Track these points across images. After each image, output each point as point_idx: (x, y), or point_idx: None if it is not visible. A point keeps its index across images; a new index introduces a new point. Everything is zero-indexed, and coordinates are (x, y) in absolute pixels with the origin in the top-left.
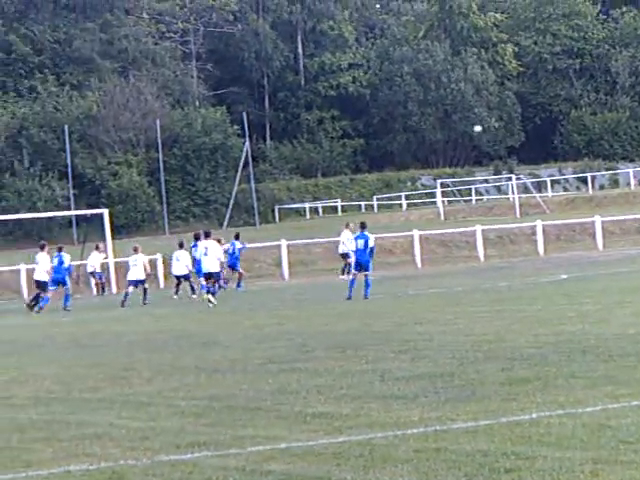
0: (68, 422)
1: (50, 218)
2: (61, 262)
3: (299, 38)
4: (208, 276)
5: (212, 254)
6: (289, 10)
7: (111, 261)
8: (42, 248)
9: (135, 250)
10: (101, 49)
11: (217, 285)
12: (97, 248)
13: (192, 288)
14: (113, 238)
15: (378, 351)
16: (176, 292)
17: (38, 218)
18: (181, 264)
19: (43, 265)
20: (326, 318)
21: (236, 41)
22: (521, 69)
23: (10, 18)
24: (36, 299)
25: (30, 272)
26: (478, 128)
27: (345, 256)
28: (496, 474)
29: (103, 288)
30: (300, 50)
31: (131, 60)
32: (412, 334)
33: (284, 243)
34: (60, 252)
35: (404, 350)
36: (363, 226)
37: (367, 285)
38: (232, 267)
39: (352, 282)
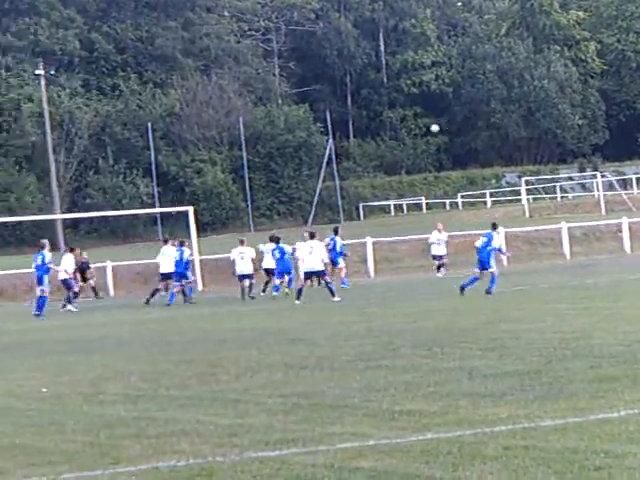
0: (156, 419)
1: (135, 215)
2: (182, 256)
3: (381, 36)
4: (310, 275)
5: (317, 253)
6: (371, 8)
7: (196, 259)
8: (165, 242)
9: (242, 243)
10: (183, 47)
11: (323, 282)
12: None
13: (251, 287)
14: (198, 235)
15: (465, 349)
16: (264, 289)
17: (123, 215)
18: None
19: (168, 258)
20: (412, 316)
21: (318, 39)
22: (604, 67)
23: (92, 17)
24: (153, 294)
25: (116, 268)
26: (435, 127)
27: (435, 257)
28: (586, 471)
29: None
30: (382, 48)
31: (213, 58)
32: (499, 332)
33: (369, 240)
34: (182, 246)
35: (491, 348)
36: (494, 226)
37: (492, 282)
38: (333, 262)
39: (475, 279)
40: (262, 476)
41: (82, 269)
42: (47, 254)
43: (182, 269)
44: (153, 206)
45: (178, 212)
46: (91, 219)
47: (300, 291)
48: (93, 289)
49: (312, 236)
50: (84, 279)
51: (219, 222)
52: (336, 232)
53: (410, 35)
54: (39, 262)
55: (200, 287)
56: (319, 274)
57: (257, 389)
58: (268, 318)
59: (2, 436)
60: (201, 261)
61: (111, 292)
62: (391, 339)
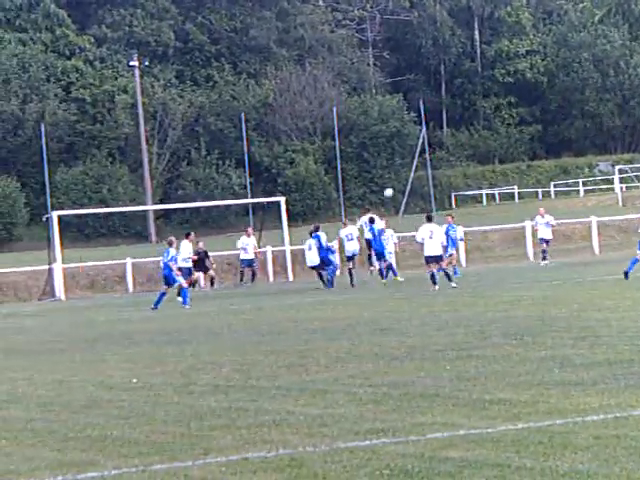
0: (246, 409)
1: (227, 206)
2: (320, 243)
3: (476, 24)
4: (431, 259)
5: (436, 238)
6: None
7: (287, 249)
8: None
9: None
10: (277, 37)
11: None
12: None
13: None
14: (289, 226)
15: (556, 338)
16: (351, 281)
17: (214, 206)
18: (313, 253)
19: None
20: (504, 305)
21: (412, 28)
22: None
23: (187, 7)
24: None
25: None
26: (389, 192)
27: (542, 241)
28: None
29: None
30: (477, 37)
31: (307, 48)
32: (591, 320)
33: (460, 229)
34: (317, 232)
35: (583, 337)
36: None
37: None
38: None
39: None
40: (352, 466)
41: (200, 258)
42: (172, 251)
43: (325, 255)
44: (245, 197)
45: (270, 202)
46: (183, 210)
47: (433, 276)
48: (212, 279)
49: (429, 219)
50: (205, 269)
51: (310, 212)
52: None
53: (505, 23)
54: (168, 258)
55: (291, 277)
56: (437, 259)
57: (347, 379)
58: (358, 308)
59: (93, 427)
60: (292, 251)
61: (201, 283)
62: (482, 328)
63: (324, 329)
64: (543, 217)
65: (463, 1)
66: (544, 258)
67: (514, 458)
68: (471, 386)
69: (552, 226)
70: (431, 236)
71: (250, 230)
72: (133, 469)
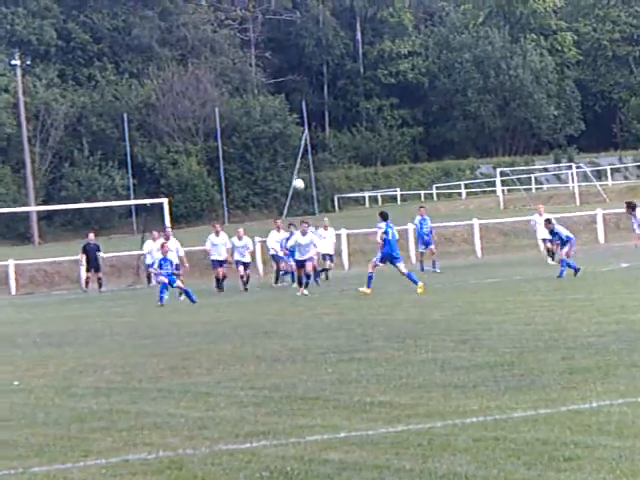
0: (127, 412)
1: (110, 207)
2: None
3: (358, 25)
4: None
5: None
6: None
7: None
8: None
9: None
10: (160, 37)
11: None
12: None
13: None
14: (173, 227)
15: (438, 340)
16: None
17: (97, 207)
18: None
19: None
20: (386, 308)
21: (296, 28)
22: (580, 57)
23: (69, 6)
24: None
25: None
26: (299, 183)
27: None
28: (555, 462)
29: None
30: (359, 37)
31: (190, 48)
32: (472, 323)
33: (344, 232)
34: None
35: (464, 339)
36: None
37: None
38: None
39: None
40: (232, 469)
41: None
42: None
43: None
44: (128, 198)
45: (153, 204)
46: (66, 211)
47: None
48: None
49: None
50: (96, 267)
51: (194, 214)
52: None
53: (387, 24)
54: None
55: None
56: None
57: (229, 382)
58: (242, 311)
59: None
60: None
61: (83, 285)
62: (364, 331)
63: (207, 332)
64: (541, 215)
65: (346, 2)
66: (552, 257)
67: (393, 460)
68: (352, 389)
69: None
70: None
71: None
72: (12, 471)
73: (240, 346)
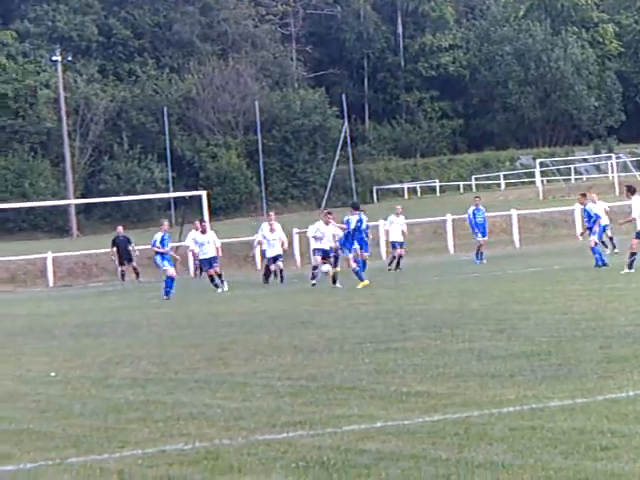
0: (164, 402)
1: (149, 200)
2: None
3: (399, 19)
4: None
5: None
6: None
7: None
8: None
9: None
10: (200, 32)
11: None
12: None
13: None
14: (211, 220)
15: (475, 330)
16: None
17: (137, 200)
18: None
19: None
20: (423, 298)
21: (336, 22)
22: (622, 49)
23: (110, 2)
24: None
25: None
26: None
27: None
28: (592, 451)
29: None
30: (400, 31)
31: (230, 43)
32: (509, 313)
33: (382, 223)
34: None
35: (501, 329)
36: None
37: None
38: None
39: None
40: (268, 459)
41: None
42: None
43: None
44: (167, 191)
45: (192, 196)
46: (104, 204)
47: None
48: (136, 271)
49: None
50: (129, 259)
51: (232, 206)
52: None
53: (428, 18)
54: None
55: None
56: None
57: (265, 372)
58: (280, 301)
59: (9, 421)
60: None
61: (120, 277)
62: (401, 321)
63: (244, 322)
64: (595, 203)
65: None
66: (613, 246)
67: (430, 450)
68: (389, 379)
69: (606, 211)
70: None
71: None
72: (49, 462)
73: (277, 336)
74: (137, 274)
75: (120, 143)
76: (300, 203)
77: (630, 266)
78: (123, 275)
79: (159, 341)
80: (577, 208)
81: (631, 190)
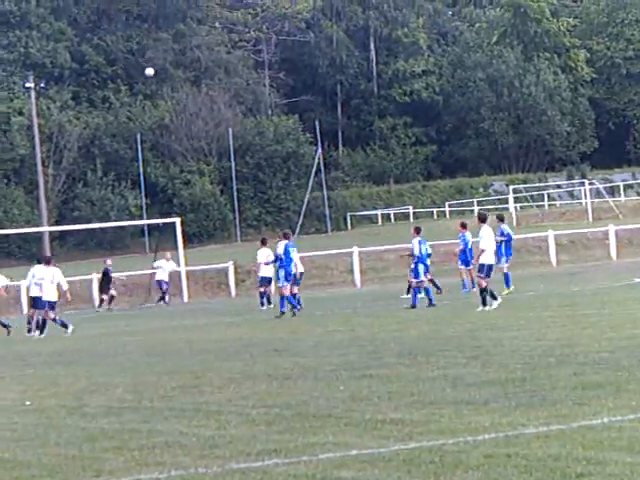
0: (139, 431)
1: (122, 227)
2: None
3: (372, 45)
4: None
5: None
6: (364, 17)
7: (183, 270)
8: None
9: (48, 263)
10: (174, 59)
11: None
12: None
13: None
14: (185, 247)
15: (449, 357)
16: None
17: (110, 227)
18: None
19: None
20: (397, 325)
21: (309, 49)
22: (594, 75)
23: (83, 29)
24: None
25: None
26: (150, 71)
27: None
28: (567, 479)
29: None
30: (373, 57)
31: (204, 69)
32: (483, 339)
33: (356, 250)
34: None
35: (475, 356)
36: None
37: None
38: (465, 264)
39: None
40: None
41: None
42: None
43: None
44: (141, 218)
45: (165, 223)
46: (79, 231)
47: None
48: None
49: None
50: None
51: (206, 233)
52: (464, 226)
53: (401, 44)
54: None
55: (186, 298)
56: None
57: (240, 400)
58: (253, 329)
59: None
60: (187, 272)
61: (96, 304)
62: (376, 348)
63: (218, 350)
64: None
65: (360, 22)
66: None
67: (405, 478)
68: (364, 406)
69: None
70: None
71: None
72: None
73: (251, 364)
74: (111, 300)
75: (94, 170)
76: (274, 230)
77: (484, 302)
78: (101, 303)
79: (134, 369)
80: (550, 235)
81: (481, 218)
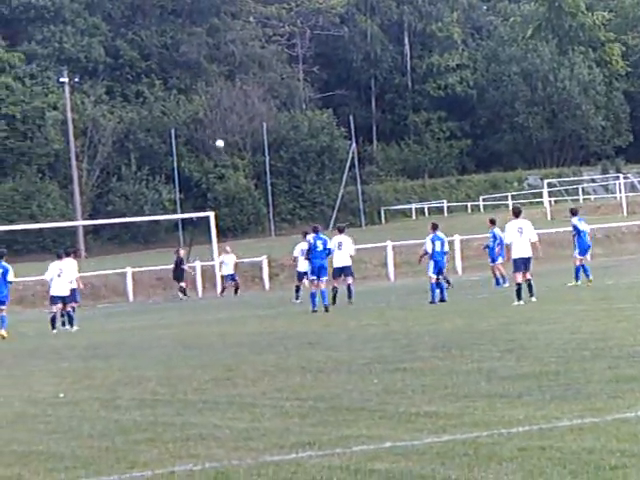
0: (172, 423)
1: (156, 221)
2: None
3: (406, 40)
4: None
5: (345, 249)
6: (398, 11)
7: (216, 263)
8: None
9: (60, 257)
10: (208, 53)
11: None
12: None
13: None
14: (219, 241)
15: (483, 350)
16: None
17: (144, 222)
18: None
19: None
20: (431, 318)
21: (344, 43)
22: (629, 69)
23: (118, 24)
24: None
25: (136, 274)
26: (220, 143)
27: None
28: (601, 471)
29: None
30: (408, 51)
31: (238, 64)
32: (518, 333)
33: (390, 244)
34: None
35: (510, 349)
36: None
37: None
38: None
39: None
40: (277, 479)
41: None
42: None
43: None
44: (175, 212)
45: (199, 218)
46: (112, 225)
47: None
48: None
49: (341, 231)
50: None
51: (240, 227)
52: (493, 222)
53: (436, 38)
54: None
55: (219, 291)
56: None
57: (274, 393)
58: (287, 322)
59: (18, 443)
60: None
61: (130, 297)
62: (410, 342)
63: (252, 343)
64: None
65: (394, 16)
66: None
67: (439, 470)
68: (398, 399)
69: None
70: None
71: (228, 247)
72: None
73: (285, 357)
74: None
75: (128, 164)
76: (308, 224)
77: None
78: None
79: (167, 362)
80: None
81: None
